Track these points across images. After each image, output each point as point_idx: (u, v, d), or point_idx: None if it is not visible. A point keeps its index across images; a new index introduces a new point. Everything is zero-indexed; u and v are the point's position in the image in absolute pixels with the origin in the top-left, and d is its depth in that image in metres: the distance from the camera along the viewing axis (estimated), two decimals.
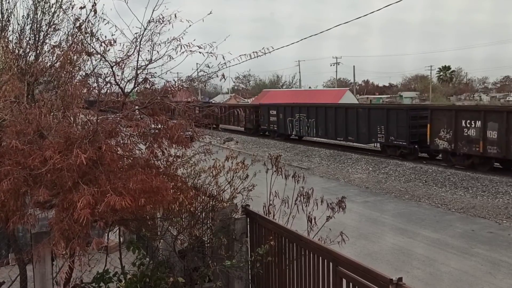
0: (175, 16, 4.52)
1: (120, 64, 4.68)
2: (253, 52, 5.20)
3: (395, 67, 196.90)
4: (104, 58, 4.66)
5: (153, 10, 4.53)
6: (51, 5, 7.93)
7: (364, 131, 22.76)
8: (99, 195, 3.87)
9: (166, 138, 4.67)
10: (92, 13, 4.89)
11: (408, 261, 8.99)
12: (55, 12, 7.94)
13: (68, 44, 5.65)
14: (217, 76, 5.11)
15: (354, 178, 17.86)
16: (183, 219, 5.78)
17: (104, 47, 4.60)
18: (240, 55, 5.15)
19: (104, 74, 4.79)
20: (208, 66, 4.97)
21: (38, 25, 8.07)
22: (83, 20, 4.93)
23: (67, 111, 4.46)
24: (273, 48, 5.25)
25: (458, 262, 8.89)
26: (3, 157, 4.18)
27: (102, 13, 5.03)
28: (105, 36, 4.62)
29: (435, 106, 23.56)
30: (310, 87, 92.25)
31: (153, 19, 4.57)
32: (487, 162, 17.49)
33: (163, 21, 4.56)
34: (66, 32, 7.48)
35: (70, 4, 7.11)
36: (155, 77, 4.85)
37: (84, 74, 5.21)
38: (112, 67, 4.68)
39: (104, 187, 3.92)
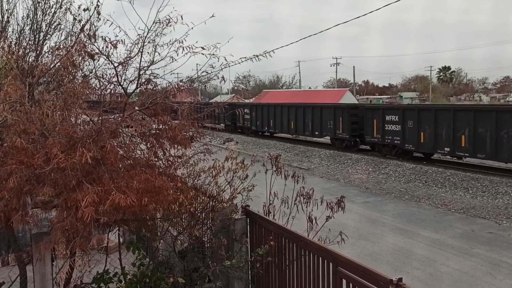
0: (182, 17, 4.53)
1: (124, 65, 4.69)
2: (253, 55, 5.20)
3: (395, 68, 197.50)
4: (108, 59, 4.67)
5: (158, 12, 4.54)
6: (50, 5, 7.94)
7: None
8: (103, 193, 3.88)
9: (168, 138, 4.69)
10: (95, 14, 4.90)
11: (408, 261, 9.00)
12: (55, 12, 7.95)
13: (69, 44, 5.66)
14: (217, 78, 5.12)
15: (354, 179, 17.87)
16: (183, 220, 5.78)
17: (108, 49, 4.60)
18: (240, 58, 5.16)
19: (109, 74, 4.79)
20: (212, 66, 4.97)
21: (38, 26, 8.07)
22: (85, 21, 4.94)
23: (69, 111, 4.47)
24: (274, 52, 5.24)
25: (458, 262, 8.91)
26: (6, 156, 4.19)
27: (100, 12, 5.03)
28: (109, 38, 4.63)
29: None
30: (310, 88, 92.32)
31: (159, 19, 4.58)
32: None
33: (169, 22, 4.57)
34: (67, 32, 7.49)
35: (70, 4, 7.13)
36: (157, 78, 4.86)
37: (86, 74, 5.21)
38: (115, 68, 4.69)
39: (107, 186, 3.94)
